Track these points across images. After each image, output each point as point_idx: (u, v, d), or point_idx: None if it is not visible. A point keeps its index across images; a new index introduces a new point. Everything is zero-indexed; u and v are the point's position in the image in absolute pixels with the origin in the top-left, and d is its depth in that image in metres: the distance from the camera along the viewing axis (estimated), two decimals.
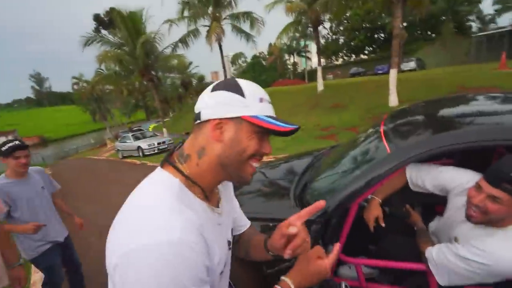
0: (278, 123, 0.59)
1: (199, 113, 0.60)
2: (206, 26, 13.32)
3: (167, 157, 0.64)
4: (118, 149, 13.13)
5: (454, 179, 1.25)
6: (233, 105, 0.58)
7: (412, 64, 19.69)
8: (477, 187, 1.04)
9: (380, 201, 1.38)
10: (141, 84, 24.48)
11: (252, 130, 0.59)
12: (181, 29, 14.18)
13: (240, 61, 51.89)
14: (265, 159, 5.61)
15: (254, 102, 0.59)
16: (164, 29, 12.49)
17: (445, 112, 1.61)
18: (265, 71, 40.77)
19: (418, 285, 1.39)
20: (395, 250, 1.38)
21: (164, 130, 14.56)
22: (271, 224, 1.50)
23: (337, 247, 0.71)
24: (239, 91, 0.59)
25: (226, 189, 0.80)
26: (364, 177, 1.34)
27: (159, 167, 0.63)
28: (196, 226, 0.54)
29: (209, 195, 0.65)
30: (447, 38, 23.37)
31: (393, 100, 8.01)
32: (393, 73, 7.85)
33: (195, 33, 13.25)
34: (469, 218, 1.08)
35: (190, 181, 0.60)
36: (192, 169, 0.61)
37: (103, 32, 13.84)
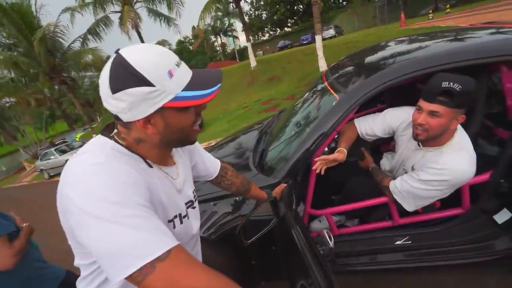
0: (199, 93, 0.54)
1: (117, 116, 0.54)
2: (117, 12, 11.83)
3: (103, 130, 0.61)
4: (41, 169, 11.21)
5: (398, 117, 1.36)
6: (147, 101, 0.50)
7: (331, 31, 21.21)
8: (418, 108, 1.14)
9: (345, 150, 1.40)
10: (52, 89, 20.71)
11: (180, 110, 0.55)
12: (88, 18, 12.27)
13: None
14: (212, 141, 5.45)
15: (165, 82, 0.51)
16: (66, 20, 10.64)
17: (375, 57, 1.71)
18: (193, 56, 39.08)
19: (379, 218, 1.53)
20: (358, 190, 1.46)
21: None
22: (237, 198, 1.43)
23: None
24: (142, 80, 0.49)
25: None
26: (319, 128, 1.35)
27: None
28: (131, 168, 0.54)
29: (158, 161, 0.64)
30: (356, 5, 25.76)
31: (323, 65, 8.49)
32: (318, 39, 8.23)
33: (105, 21, 11.67)
34: (415, 137, 1.18)
35: (130, 150, 0.58)
36: (133, 147, 0.59)
37: None
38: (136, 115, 0.52)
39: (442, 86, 1.02)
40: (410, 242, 1.35)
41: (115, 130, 0.60)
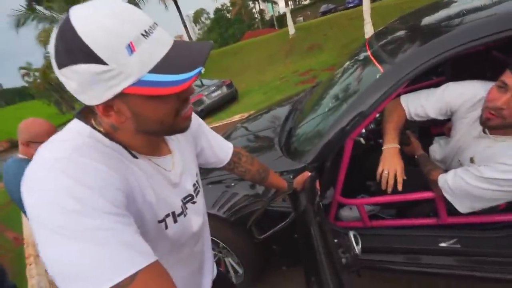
0: (172, 78, 0.40)
1: None
2: None
3: (78, 112, 0.50)
4: None
5: (461, 94, 1.07)
6: (99, 83, 0.38)
7: None
8: (501, 85, 0.85)
9: (399, 147, 1.14)
10: None
11: (150, 98, 0.42)
12: None
13: (203, 19, 47.92)
14: (245, 114, 5.38)
15: (122, 60, 0.37)
16: None
17: (435, 17, 1.36)
18: (231, 24, 38.00)
19: (422, 213, 1.31)
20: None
21: None
22: None
23: None
24: (91, 56, 0.36)
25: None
26: (357, 105, 1.14)
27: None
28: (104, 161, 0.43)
29: (146, 151, 0.53)
30: None
31: (369, 31, 7.59)
32: (366, 1, 7.31)
33: None
34: (484, 121, 0.92)
35: (109, 138, 0.47)
36: (111, 134, 0.48)
37: (38, 8, 11.61)
38: (91, 99, 0.40)
39: None
40: (459, 246, 1.14)
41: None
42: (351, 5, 20.40)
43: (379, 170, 1.09)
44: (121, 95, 0.40)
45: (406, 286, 1.42)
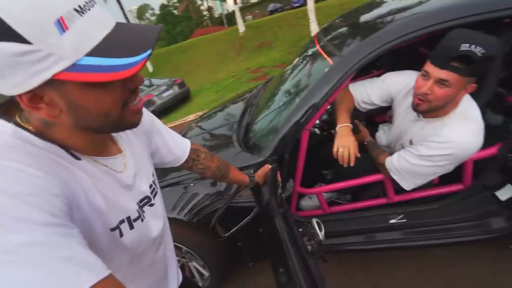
0: (116, 61, 0.34)
1: None
2: None
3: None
4: None
5: (398, 83, 1.19)
6: (21, 67, 0.31)
7: None
8: (424, 74, 0.96)
9: (351, 126, 1.21)
10: None
11: (90, 86, 0.35)
12: None
13: (147, 15, 45.15)
14: (199, 113, 5.21)
15: (52, 38, 0.31)
16: None
17: (375, 14, 1.48)
18: (179, 21, 36.54)
19: (374, 195, 1.43)
20: (351, 167, 1.34)
21: None
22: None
23: None
24: (8, 32, 0.29)
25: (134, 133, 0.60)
26: (310, 98, 1.18)
27: None
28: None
29: (90, 151, 0.46)
30: None
31: (315, 29, 8.02)
32: (310, 0, 7.69)
33: None
34: (415, 107, 1.03)
35: (41, 138, 0.39)
36: (44, 133, 0.40)
37: None
38: (11, 87, 0.33)
39: (461, 49, 0.82)
40: (405, 220, 1.26)
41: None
42: (297, 4, 21.30)
43: (335, 148, 1.16)
44: (53, 82, 0.33)
45: (376, 269, 1.52)
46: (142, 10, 44.41)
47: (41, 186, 0.34)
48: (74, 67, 0.33)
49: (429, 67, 0.93)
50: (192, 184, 1.37)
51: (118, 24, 0.38)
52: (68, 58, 0.32)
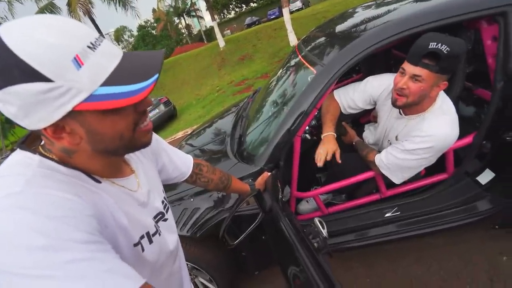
0: (128, 88, 0.38)
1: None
2: None
3: (21, 142, 0.45)
4: None
5: (379, 85, 1.29)
6: (45, 103, 0.35)
7: (298, 3, 20.68)
8: (401, 71, 1.07)
9: (335, 134, 1.33)
10: None
11: (106, 112, 0.39)
12: (30, 6, 10.94)
13: (125, 37, 45.17)
14: (188, 130, 5.21)
15: (70, 75, 0.35)
16: (3, 11, 9.43)
17: (350, 24, 1.59)
18: (158, 41, 36.68)
19: (367, 192, 1.50)
20: (343, 167, 1.41)
21: None
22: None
23: None
24: (32, 74, 0.33)
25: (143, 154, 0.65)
26: (298, 106, 1.25)
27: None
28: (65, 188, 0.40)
29: (108, 174, 0.50)
30: None
31: (293, 40, 8.30)
32: (286, 12, 7.98)
33: (51, 9, 10.46)
34: (394, 102, 1.12)
35: (64, 165, 0.43)
36: (66, 160, 0.44)
37: None
38: (37, 122, 0.36)
39: (429, 47, 0.94)
40: (399, 212, 1.34)
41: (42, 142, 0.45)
42: (273, 16, 22.04)
43: (317, 151, 1.27)
44: (73, 113, 0.37)
45: (377, 264, 1.57)
46: (119, 32, 44.39)
47: (77, 209, 0.38)
48: (92, 97, 0.37)
49: (405, 64, 1.05)
50: (192, 200, 1.40)
51: (125, 54, 0.43)
52: (85, 90, 0.36)
